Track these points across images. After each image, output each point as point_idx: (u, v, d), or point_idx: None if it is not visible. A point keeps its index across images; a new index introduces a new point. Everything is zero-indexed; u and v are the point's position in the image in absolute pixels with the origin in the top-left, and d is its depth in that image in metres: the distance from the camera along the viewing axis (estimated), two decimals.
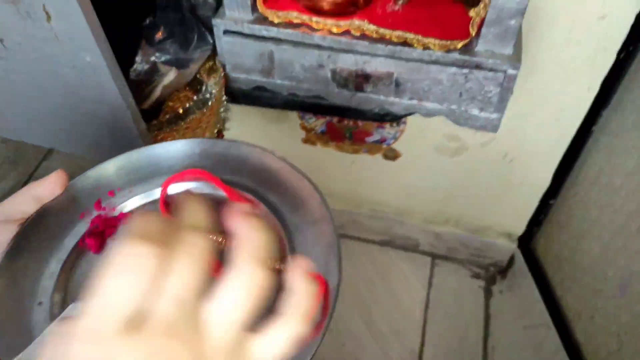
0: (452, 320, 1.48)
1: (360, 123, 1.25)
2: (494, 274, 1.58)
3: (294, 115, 1.25)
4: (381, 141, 1.28)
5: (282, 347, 0.26)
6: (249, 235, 0.26)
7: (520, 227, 1.44)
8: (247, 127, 1.36)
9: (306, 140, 1.34)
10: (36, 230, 0.41)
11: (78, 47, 0.51)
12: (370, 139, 1.29)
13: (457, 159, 1.27)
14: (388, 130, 1.25)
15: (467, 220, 1.47)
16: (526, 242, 1.48)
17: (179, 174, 0.47)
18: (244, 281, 0.25)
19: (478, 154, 1.23)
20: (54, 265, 0.41)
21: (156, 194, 0.47)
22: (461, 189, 1.36)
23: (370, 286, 1.54)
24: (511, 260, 1.55)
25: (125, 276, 0.22)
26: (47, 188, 0.41)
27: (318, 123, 1.27)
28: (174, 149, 0.50)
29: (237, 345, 0.25)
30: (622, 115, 1.03)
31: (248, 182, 0.47)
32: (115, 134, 0.63)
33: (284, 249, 0.42)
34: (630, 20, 0.87)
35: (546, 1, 0.87)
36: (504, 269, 1.57)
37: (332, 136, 1.31)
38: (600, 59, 0.95)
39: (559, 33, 0.92)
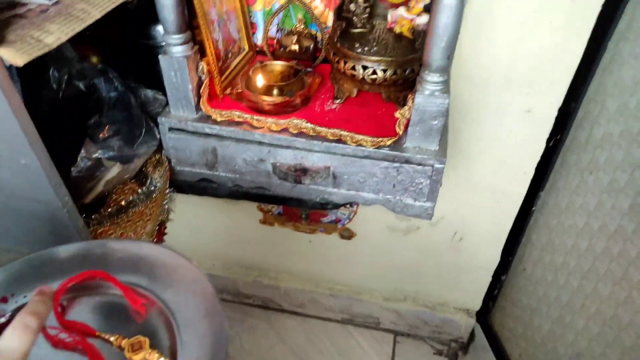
0: None
1: None
2: (455, 350, 1.57)
3: None
4: (336, 221, 1.31)
5: (16, 334, 0.37)
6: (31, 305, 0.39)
7: (476, 303, 1.46)
8: (202, 211, 1.38)
9: (264, 222, 1.36)
10: None
11: (13, 151, 0.53)
12: (325, 220, 1.31)
13: (410, 237, 1.30)
14: (342, 211, 1.28)
15: (425, 297, 1.49)
16: (484, 317, 1.49)
17: (77, 276, 0.49)
18: None
19: (429, 232, 1.27)
20: None
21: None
22: (416, 267, 1.38)
23: None
24: (472, 336, 1.55)
25: None
26: None
27: (274, 205, 1.30)
28: (74, 251, 0.53)
29: None
30: (557, 197, 1.09)
31: (145, 280, 0.50)
32: (54, 231, 0.64)
33: (174, 343, 0.45)
34: (554, 113, 0.96)
35: (477, 97, 0.95)
36: (465, 345, 1.56)
37: (288, 217, 1.33)
38: (532, 147, 1.02)
39: (491, 124, 0.99)
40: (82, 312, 0.48)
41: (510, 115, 0.97)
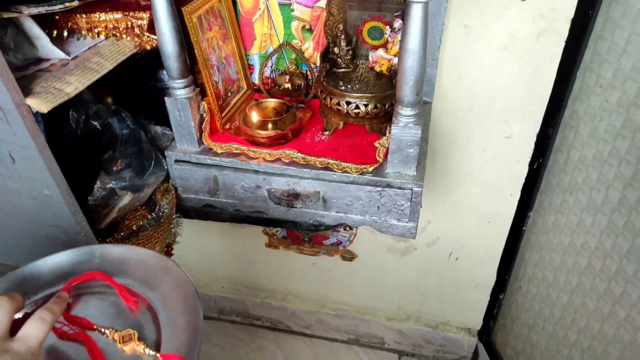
0: None
1: None
2: None
3: None
4: (337, 244, 1.38)
5: (35, 324, 0.47)
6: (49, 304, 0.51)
7: (477, 322, 1.50)
8: (212, 237, 1.46)
9: (269, 245, 1.43)
10: None
11: (38, 184, 0.63)
12: (327, 242, 1.38)
13: (408, 258, 1.36)
14: (342, 233, 1.35)
15: (427, 316, 1.53)
16: (486, 336, 1.53)
17: (81, 276, 0.59)
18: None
19: (426, 253, 1.33)
20: None
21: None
22: (416, 287, 1.44)
23: None
24: (475, 355, 1.58)
25: None
26: None
27: (278, 228, 1.38)
28: (77, 255, 0.63)
29: (2, 334, 0.46)
30: (544, 216, 1.14)
31: (137, 280, 0.60)
32: None
33: (159, 336, 0.54)
34: (532, 139, 1.02)
35: (461, 125, 1.02)
36: None
37: (292, 240, 1.40)
38: (516, 170, 1.08)
39: (476, 150, 1.06)
40: (84, 308, 0.58)
41: (492, 142, 1.04)
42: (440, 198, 1.19)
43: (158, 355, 0.51)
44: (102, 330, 0.55)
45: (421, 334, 1.56)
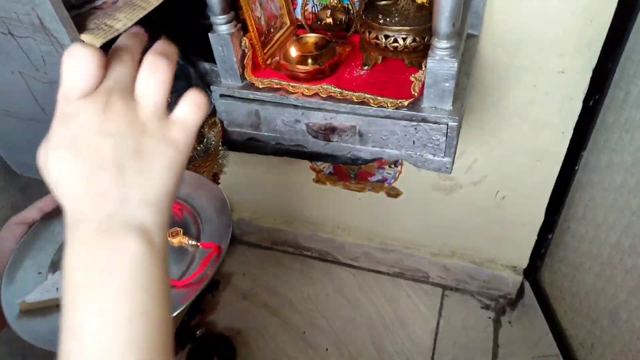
0: (460, 349, 1.53)
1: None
2: (503, 305, 1.62)
3: None
4: (383, 180, 1.40)
5: (190, 108, 0.36)
6: (158, 46, 0.36)
7: (524, 260, 1.50)
8: (265, 174, 1.53)
9: (317, 180, 1.49)
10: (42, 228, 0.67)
11: None
12: (373, 179, 1.41)
13: (454, 196, 1.36)
14: (388, 170, 1.37)
15: (472, 253, 1.55)
16: (533, 274, 1.53)
17: None
18: (158, 71, 0.35)
19: (472, 191, 1.33)
20: (51, 250, 0.66)
21: None
22: (461, 224, 1.45)
23: (382, 315, 1.62)
24: (520, 293, 1.60)
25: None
26: (47, 203, 0.68)
27: (325, 165, 1.42)
28: None
29: (160, 113, 0.35)
30: (598, 156, 1.10)
31: (180, 194, 0.73)
32: None
33: (199, 231, 0.68)
34: (588, 74, 0.97)
35: (511, 61, 0.99)
36: (513, 301, 1.61)
37: (339, 176, 1.44)
38: (568, 107, 1.04)
39: (527, 87, 1.03)
40: None
41: (544, 77, 1.00)
42: (486, 136, 1.17)
43: (198, 244, 0.65)
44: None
45: (466, 270, 1.58)
